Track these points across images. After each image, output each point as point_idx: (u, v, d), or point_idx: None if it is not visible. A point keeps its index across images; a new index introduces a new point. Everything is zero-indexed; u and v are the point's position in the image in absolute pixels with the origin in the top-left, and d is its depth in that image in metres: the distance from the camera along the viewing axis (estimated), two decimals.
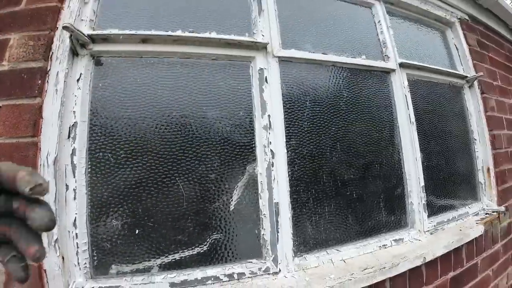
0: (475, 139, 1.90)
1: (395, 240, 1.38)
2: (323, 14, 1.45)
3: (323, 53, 1.32)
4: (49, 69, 0.99)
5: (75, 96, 1.03)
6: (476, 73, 1.98)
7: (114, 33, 1.07)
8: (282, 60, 1.23)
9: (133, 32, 1.08)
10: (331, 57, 1.33)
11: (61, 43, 1.03)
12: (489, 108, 1.99)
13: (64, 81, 1.00)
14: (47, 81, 0.99)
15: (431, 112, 1.69)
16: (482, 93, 1.99)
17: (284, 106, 1.19)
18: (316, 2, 1.46)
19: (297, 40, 1.31)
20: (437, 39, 1.96)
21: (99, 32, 1.07)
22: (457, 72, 1.86)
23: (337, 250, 1.26)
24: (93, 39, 1.06)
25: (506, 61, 2.57)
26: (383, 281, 1.19)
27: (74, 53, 1.05)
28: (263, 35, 1.23)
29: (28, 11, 1.08)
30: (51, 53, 1.01)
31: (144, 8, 1.17)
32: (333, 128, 1.29)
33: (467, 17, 2.14)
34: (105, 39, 1.07)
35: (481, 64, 2.09)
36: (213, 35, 1.16)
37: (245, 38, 1.18)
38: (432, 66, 1.69)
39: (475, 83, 1.95)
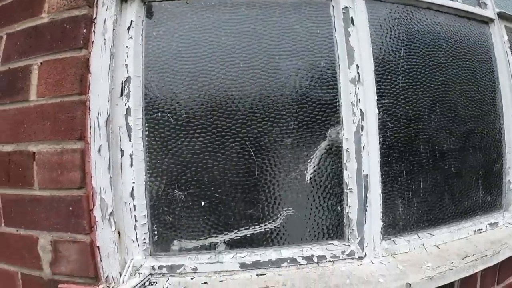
0: None
1: (490, 224, 1.15)
2: None
3: None
4: (95, 17, 0.83)
5: (127, 47, 0.86)
6: None
7: None
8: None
9: None
10: None
11: None
12: None
13: (113, 30, 0.83)
14: (94, 31, 0.83)
15: None
16: None
17: (374, 54, 0.95)
18: None
19: None
20: None
21: None
22: None
23: (430, 234, 1.04)
24: None
25: None
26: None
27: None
28: None
29: None
30: None
31: None
32: (432, 85, 1.04)
33: None
34: None
35: None
36: None
37: None
38: None
39: None
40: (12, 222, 0.85)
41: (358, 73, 0.92)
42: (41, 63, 0.84)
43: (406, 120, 0.99)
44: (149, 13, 0.90)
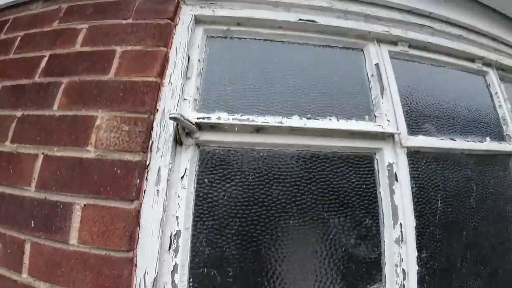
0: None
1: None
2: (440, 88, 1.25)
3: (451, 139, 1.12)
4: (149, 163, 0.81)
5: (179, 197, 0.83)
6: None
7: (224, 122, 0.89)
8: (411, 151, 1.03)
9: (244, 119, 0.91)
10: (460, 144, 1.12)
11: (162, 130, 0.86)
12: None
13: (167, 180, 0.81)
14: (146, 178, 0.79)
15: None
16: None
17: (414, 209, 0.98)
18: (431, 74, 1.26)
19: (421, 123, 1.11)
20: None
21: (205, 115, 0.91)
22: None
23: None
24: (200, 126, 0.89)
25: None
26: None
27: (177, 142, 0.87)
28: (388, 120, 1.03)
29: (119, 83, 0.91)
30: (150, 142, 0.83)
31: (254, 85, 1.00)
32: (464, 233, 1.07)
33: None
34: (213, 126, 0.90)
35: None
36: (334, 123, 0.98)
37: (370, 127, 0.99)
38: None
39: None
40: None
41: (401, 231, 0.93)
42: (84, 204, 0.78)
43: (442, 271, 1.00)
44: (202, 158, 0.90)
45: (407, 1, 1.20)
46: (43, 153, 0.85)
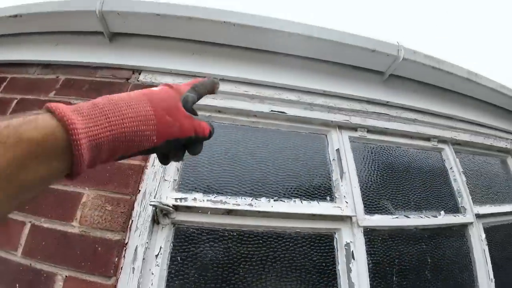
0: None
1: None
2: (397, 167, 1.42)
3: (406, 216, 1.26)
4: (127, 242, 0.90)
5: (153, 274, 0.91)
6: None
7: (198, 205, 1.03)
8: (367, 230, 1.17)
9: (218, 201, 1.05)
10: (414, 221, 1.26)
11: (142, 210, 0.97)
12: None
13: (143, 259, 0.90)
14: (124, 256, 0.88)
15: (507, 259, 1.55)
16: None
17: (371, 285, 1.09)
18: (388, 155, 1.44)
19: (378, 202, 1.27)
20: (500, 170, 1.89)
21: (182, 196, 1.04)
22: None
23: None
24: (177, 207, 1.01)
25: None
26: None
27: (155, 221, 0.98)
28: (346, 202, 1.18)
29: (108, 165, 1.05)
30: (130, 221, 0.94)
31: (228, 167, 1.17)
32: None
33: None
34: (190, 207, 1.03)
35: None
36: (298, 205, 1.13)
37: (330, 211, 1.14)
38: (507, 209, 1.60)
39: None
40: None
41: None
42: (66, 276, 0.84)
43: None
44: (177, 237, 1.00)
45: (366, 92, 1.41)
46: (30, 222, 0.92)
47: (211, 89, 0.46)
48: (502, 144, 1.87)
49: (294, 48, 1.29)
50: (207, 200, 1.06)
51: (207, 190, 1.11)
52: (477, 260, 1.37)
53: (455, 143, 1.63)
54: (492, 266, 1.42)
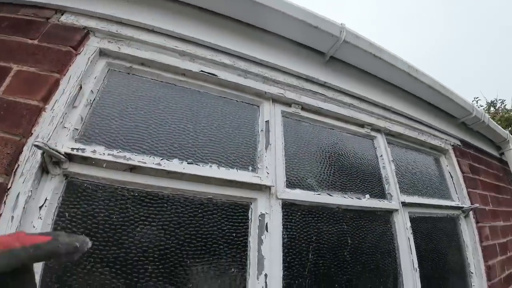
0: (472, 273, 1.79)
1: None
2: (328, 148, 1.39)
3: (328, 194, 1.22)
4: (10, 187, 0.78)
5: (34, 227, 0.79)
6: (471, 200, 1.96)
7: (96, 157, 0.90)
8: (286, 203, 1.11)
9: (121, 156, 0.92)
10: (337, 199, 1.23)
11: (31, 155, 0.83)
12: (484, 238, 1.93)
13: (23, 208, 0.77)
14: (4, 202, 0.76)
15: (432, 251, 1.58)
16: (477, 222, 1.95)
17: (284, 261, 1.02)
18: (320, 135, 1.42)
19: (301, 178, 1.22)
20: (432, 167, 1.97)
21: (80, 146, 0.90)
22: (454, 204, 1.83)
23: None
24: (71, 156, 0.88)
25: (496, 180, 2.65)
26: None
27: (44, 170, 0.85)
28: (268, 173, 1.12)
29: (3, 102, 0.89)
30: (16, 165, 0.81)
31: (143, 124, 1.05)
32: (336, 285, 1.12)
33: (459, 143, 2.22)
34: (86, 158, 0.90)
35: (474, 191, 2.09)
36: (214, 170, 1.04)
37: (247, 178, 1.06)
38: (433, 203, 1.64)
39: (470, 212, 1.92)
40: None
41: (265, 283, 0.96)
42: None
43: None
44: (68, 191, 0.87)
45: (305, 70, 1.38)
46: None
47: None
48: (436, 142, 1.95)
49: (234, 11, 1.22)
50: (109, 154, 0.93)
51: (111, 145, 0.98)
52: (401, 247, 1.37)
53: (388, 133, 1.65)
54: (418, 257, 1.43)
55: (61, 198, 0.86)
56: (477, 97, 11.91)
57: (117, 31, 1.10)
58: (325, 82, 1.43)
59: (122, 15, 1.14)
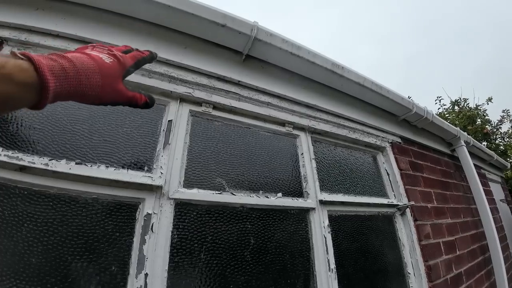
0: (409, 273, 1.80)
1: None
2: (241, 147, 1.39)
3: (231, 193, 1.22)
4: None
5: None
6: (408, 198, 1.98)
7: None
8: (180, 203, 1.11)
9: (14, 158, 0.92)
10: (241, 199, 1.23)
11: None
12: (423, 236, 1.95)
13: None
14: None
15: (358, 251, 1.59)
16: (415, 220, 1.96)
17: (170, 260, 1.02)
18: (234, 134, 1.42)
19: (204, 178, 1.21)
20: (368, 165, 1.98)
21: None
22: (387, 202, 1.85)
23: None
24: None
25: (443, 177, 2.67)
26: None
27: None
28: (161, 173, 1.11)
29: None
30: None
31: (37, 126, 1.04)
32: (232, 286, 1.12)
33: (399, 140, 2.24)
34: None
35: (414, 188, 2.11)
36: (101, 170, 1.03)
37: (136, 179, 1.05)
38: (361, 200, 1.65)
39: (407, 210, 1.93)
40: None
41: (145, 282, 0.96)
42: None
43: None
44: None
45: (216, 69, 1.38)
46: None
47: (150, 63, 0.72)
48: (370, 139, 1.96)
49: (134, 9, 1.21)
50: (5, 155, 0.93)
51: (10, 146, 0.98)
52: (315, 247, 1.37)
53: (314, 131, 1.66)
54: (338, 257, 1.43)
55: None
56: (440, 96, 12.70)
57: (25, 38, 1.11)
58: (239, 81, 1.43)
59: (31, 23, 1.14)
